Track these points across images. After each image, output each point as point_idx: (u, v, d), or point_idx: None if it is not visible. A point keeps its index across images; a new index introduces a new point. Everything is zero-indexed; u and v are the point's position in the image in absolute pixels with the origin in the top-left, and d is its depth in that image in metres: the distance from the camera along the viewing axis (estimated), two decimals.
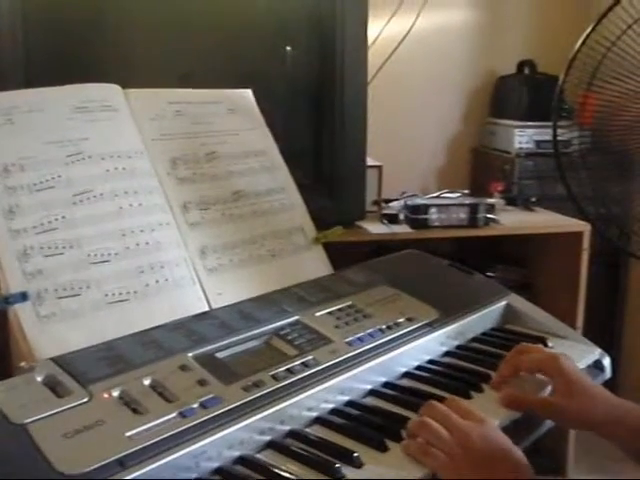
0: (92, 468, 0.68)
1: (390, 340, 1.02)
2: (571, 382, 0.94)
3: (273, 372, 0.88)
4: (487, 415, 0.86)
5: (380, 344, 1.00)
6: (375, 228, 1.78)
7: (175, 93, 1.21)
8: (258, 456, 0.80)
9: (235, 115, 1.26)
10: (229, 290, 1.07)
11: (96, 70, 1.32)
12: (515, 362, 1.00)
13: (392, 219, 1.83)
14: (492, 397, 0.96)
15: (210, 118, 1.22)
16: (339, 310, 1.06)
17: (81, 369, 0.82)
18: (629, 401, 0.95)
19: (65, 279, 0.93)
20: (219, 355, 0.90)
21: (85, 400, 0.77)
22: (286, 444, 0.82)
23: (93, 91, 1.10)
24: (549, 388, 0.97)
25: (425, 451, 0.81)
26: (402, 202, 1.88)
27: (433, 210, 1.80)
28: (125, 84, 1.13)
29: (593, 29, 1.71)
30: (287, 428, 0.84)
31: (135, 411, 0.77)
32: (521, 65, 2.41)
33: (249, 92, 1.30)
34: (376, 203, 1.92)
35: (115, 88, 1.12)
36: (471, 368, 1.05)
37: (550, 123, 1.85)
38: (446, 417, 0.84)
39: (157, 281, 1.00)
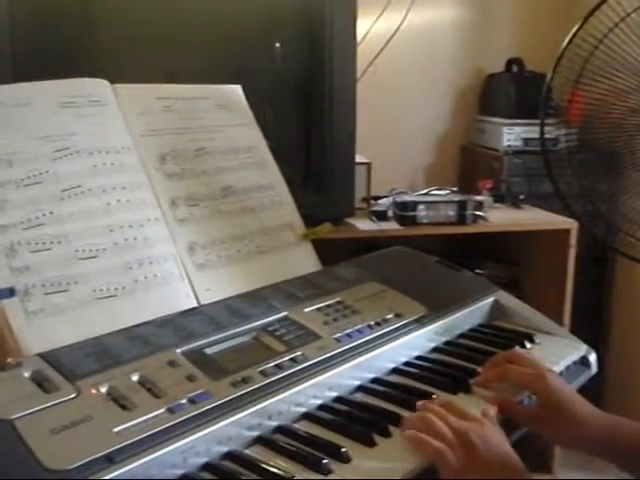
0: (80, 464, 0.68)
1: (378, 336, 1.02)
2: (558, 402, 0.94)
3: (261, 368, 0.88)
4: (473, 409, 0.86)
5: (368, 340, 1.01)
6: (364, 225, 1.78)
7: (163, 88, 1.20)
8: (246, 452, 0.80)
9: (224, 111, 1.25)
10: (217, 286, 1.07)
11: (84, 65, 1.31)
12: (502, 371, 0.98)
13: (381, 216, 1.84)
14: (479, 393, 0.97)
15: (199, 114, 1.21)
16: (327, 306, 1.07)
17: (69, 365, 0.82)
18: (617, 416, 0.95)
19: (53, 275, 0.92)
20: (208, 351, 0.90)
21: (73, 396, 0.77)
22: (274, 440, 0.82)
23: (81, 86, 1.09)
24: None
25: (429, 447, 0.80)
26: (391, 199, 1.88)
27: (421, 207, 1.80)
28: (113, 79, 1.13)
29: (580, 27, 1.72)
30: (275, 424, 0.85)
31: (123, 407, 0.77)
32: (509, 63, 2.42)
33: (238, 88, 1.30)
34: (365, 200, 1.91)
35: (103, 83, 1.12)
36: (459, 364, 1.05)
37: (538, 121, 1.86)
38: (443, 417, 0.83)
39: (145, 277, 1.00)
